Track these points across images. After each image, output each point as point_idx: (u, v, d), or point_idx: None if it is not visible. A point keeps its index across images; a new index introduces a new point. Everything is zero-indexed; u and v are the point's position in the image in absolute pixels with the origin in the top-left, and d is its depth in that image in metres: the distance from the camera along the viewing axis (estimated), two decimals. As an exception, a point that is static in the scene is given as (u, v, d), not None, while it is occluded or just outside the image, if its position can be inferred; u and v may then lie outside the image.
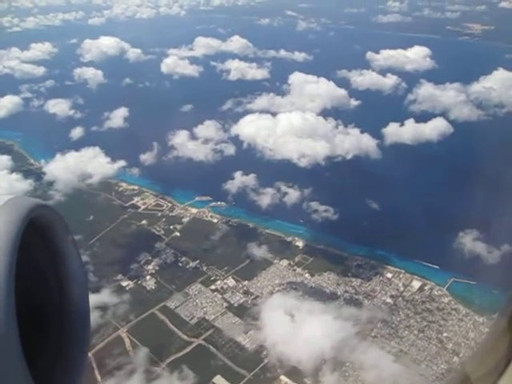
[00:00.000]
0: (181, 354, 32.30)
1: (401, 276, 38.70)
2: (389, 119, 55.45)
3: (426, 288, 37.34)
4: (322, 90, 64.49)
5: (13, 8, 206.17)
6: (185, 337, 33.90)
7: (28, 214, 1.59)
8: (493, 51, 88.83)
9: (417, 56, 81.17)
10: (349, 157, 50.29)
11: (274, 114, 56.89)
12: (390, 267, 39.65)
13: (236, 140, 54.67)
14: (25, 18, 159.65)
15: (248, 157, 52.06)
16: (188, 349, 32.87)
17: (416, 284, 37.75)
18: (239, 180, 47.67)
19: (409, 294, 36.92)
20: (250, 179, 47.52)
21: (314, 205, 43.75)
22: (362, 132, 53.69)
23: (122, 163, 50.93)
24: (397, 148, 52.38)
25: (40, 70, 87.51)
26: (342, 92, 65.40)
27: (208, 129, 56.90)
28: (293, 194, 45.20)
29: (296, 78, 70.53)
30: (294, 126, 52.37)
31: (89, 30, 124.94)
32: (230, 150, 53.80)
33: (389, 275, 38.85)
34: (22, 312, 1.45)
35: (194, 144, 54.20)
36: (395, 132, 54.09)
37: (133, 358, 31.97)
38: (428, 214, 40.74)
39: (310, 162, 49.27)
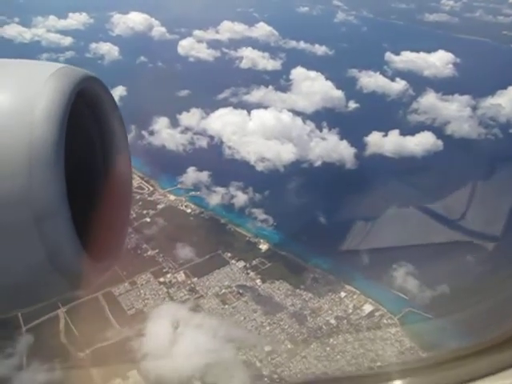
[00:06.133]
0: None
1: (354, 297, 36.29)
2: (379, 127, 52.14)
3: (377, 314, 34.90)
4: (319, 89, 61.51)
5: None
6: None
7: (79, 83, 1.63)
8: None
9: (439, 61, 75.50)
10: (317, 164, 47.80)
11: (250, 110, 55.12)
12: (347, 286, 37.42)
13: (206, 133, 53.67)
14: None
15: (210, 152, 50.98)
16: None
17: (367, 308, 35.29)
18: (191, 176, 47.01)
19: (356, 317, 34.74)
20: (204, 176, 46.75)
21: (256, 212, 42.32)
22: (341, 139, 50.85)
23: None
24: (374, 159, 49.28)
25: (66, 41, 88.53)
26: (339, 94, 62.18)
27: (192, 117, 55.99)
28: (240, 198, 43.85)
29: (297, 73, 67.67)
30: (265, 125, 50.24)
31: (133, 2, 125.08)
32: (203, 142, 52.97)
33: (342, 294, 36.69)
34: (69, 177, 1.52)
35: (170, 132, 53.79)
36: (377, 142, 50.78)
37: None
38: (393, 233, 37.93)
39: (268, 165, 47.42)
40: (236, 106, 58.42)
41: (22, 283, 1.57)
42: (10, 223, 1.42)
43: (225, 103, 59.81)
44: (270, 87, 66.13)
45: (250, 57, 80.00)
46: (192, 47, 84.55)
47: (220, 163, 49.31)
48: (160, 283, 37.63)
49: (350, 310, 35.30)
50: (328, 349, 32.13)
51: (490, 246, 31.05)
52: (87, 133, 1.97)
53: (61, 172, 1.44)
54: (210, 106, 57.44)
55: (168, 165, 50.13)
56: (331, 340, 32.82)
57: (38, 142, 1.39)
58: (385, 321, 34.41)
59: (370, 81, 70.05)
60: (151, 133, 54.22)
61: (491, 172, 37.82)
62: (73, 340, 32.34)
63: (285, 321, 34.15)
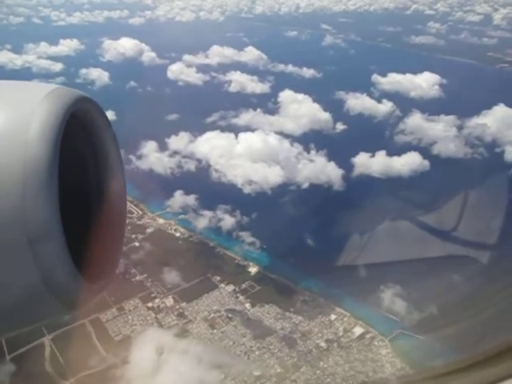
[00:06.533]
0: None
1: (344, 319, 35.94)
2: (366, 148, 52.71)
3: (368, 336, 34.46)
4: (306, 111, 62.43)
5: (68, 2, 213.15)
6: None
7: (73, 104, 1.63)
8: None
9: (425, 83, 76.89)
10: (304, 186, 47.92)
11: (237, 133, 55.65)
12: (337, 308, 37.12)
13: (194, 157, 53.98)
14: (72, 13, 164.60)
15: (198, 176, 51.05)
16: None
17: (358, 330, 34.91)
18: (178, 199, 46.76)
19: (347, 340, 34.30)
20: (191, 199, 46.53)
21: (244, 235, 42.24)
22: (328, 160, 51.25)
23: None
24: (362, 180, 49.59)
25: (57, 67, 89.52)
26: (326, 116, 62.89)
27: (180, 141, 56.24)
28: (228, 221, 43.76)
29: (285, 96, 68.52)
30: (252, 148, 50.66)
31: (125, 29, 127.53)
32: (191, 165, 53.03)
33: (332, 317, 36.34)
34: (63, 198, 1.51)
35: (158, 156, 53.85)
36: (365, 163, 51.30)
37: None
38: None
39: (256, 188, 47.49)
40: (224, 129, 58.91)
41: (15, 304, 1.55)
42: (3, 243, 1.41)
43: (213, 126, 60.42)
44: (259, 110, 67.14)
45: (239, 80, 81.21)
46: (181, 71, 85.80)
47: (207, 186, 49.31)
48: (148, 308, 37.08)
49: (341, 333, 34.91)
50: (318, 372, 31.68)
51: (475, 263, 31.10)
52: (81, 153, 1.98)
53: (54, 191, 1.44)
54: (199, 130, 57.90)
55: (156, 188, 49.97)
56: (321, 363, 32.31)
57: (31, 162, 1.40)
58: (376, 343, 33.95)
59: (357, 103, 71.15)
60: (139, 157, 54.35)
61: (477, 191, 38.10)
62: (58, 368, 31.65)
63: (274, 345, 33.69)
